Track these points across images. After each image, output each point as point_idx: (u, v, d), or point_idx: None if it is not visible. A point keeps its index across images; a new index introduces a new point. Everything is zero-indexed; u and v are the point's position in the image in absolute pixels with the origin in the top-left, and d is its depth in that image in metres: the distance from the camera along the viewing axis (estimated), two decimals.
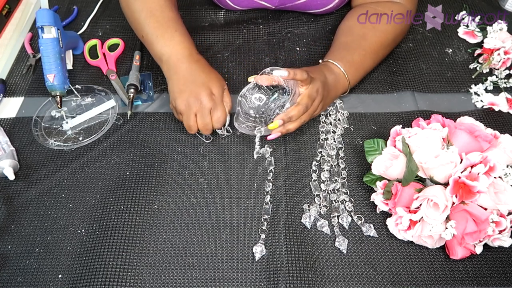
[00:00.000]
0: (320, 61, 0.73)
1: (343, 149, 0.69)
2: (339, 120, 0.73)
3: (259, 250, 0.59)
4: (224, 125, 0.69)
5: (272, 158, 0.68)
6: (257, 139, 0.65)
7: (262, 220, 0.62)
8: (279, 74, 0.61)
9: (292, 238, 0.60)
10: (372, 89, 0.78)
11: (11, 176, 0.64)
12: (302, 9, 0.87)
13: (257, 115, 0.66)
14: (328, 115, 0.73)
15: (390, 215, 0.60)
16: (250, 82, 0.65)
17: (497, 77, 0.79)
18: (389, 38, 0.77)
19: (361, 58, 0.74)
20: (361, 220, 0.61)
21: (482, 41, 0.83)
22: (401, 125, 0.63)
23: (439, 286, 0.56)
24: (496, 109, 0.74)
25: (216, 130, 0.70)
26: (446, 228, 0.54)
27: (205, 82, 0.66)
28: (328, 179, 0.66)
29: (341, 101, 0.74)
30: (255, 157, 0.67)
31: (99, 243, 0.59)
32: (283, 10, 0.90)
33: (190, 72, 0.67)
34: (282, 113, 0.63)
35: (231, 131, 0.71)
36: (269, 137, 0.65)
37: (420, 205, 0.56)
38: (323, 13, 0.88)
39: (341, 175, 0.66)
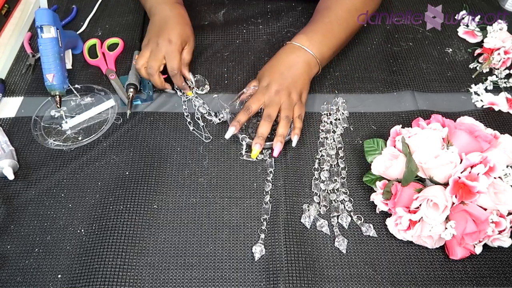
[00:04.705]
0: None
1: (342, 148, 0.69)
2: (339, 119, 0.73)
3: (258, 250, 0.59)
4: (183, 82, 0.73)
5: (272, 158, 0.67)
6: (244, 149, 0.68)
7: (262, 220, 0.62)
8: (228, 136, 0.65)
9: (292, 238, 0.60)
10: (372, 89, 0.77)
11: (11, 176, 0.64)
12: None
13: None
14: (328, 114, 0.73)
15: (390, 215, 0.60)
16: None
17: (497, 77, 0.79)
18: (356, 4, 0.75)
19: (326, 26, 0.72)
20: (361, 220, 0.61)
21: (482, 41, 0.83)
22: (401, 125, 0.63)
23: (439, 286, 0.56)
24: (496, 109, 0.74)
25: (207, 118, 0.73)
26: (446, 228, 0.54)
27: (167, 29, 0.72)
28: (327, 179, 0.66)
29: (344, 100, 0.74)
30: (244, 157, 0.68)
31: (99, 243, 0.59)
32: (283, 10, 0.89)
33: (163, 17, 0.74)
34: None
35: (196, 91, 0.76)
36: (274, 154, 0.65)
37: (420, 205, 0.56)
38: None
39: (341, 175, 0.66)
